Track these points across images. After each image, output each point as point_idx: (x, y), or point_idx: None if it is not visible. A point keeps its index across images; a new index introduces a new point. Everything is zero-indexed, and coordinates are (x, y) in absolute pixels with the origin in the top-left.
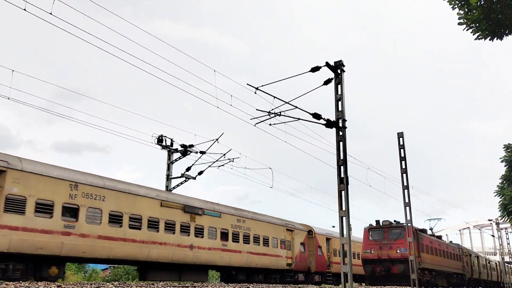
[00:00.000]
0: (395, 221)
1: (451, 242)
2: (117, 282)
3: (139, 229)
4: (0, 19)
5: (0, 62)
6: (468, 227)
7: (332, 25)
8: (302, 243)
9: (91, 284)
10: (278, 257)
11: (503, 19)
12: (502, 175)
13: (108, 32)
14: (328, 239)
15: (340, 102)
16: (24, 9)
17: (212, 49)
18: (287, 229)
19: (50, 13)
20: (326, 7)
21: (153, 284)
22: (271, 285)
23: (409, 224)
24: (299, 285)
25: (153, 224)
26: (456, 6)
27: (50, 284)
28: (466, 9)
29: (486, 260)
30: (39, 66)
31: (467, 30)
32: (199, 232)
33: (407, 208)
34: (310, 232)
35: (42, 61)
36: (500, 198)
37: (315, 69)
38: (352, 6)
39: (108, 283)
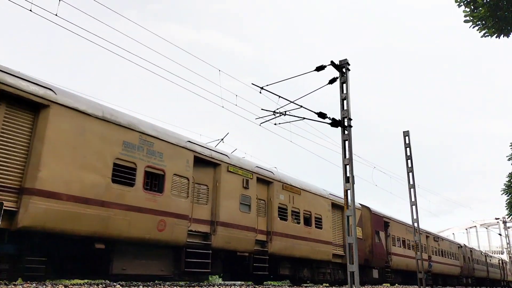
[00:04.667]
0: None
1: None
2: (123, 282)
3: None
4: (5, 20)
5: (5, 63)
6: (475, 226)
7: (338, 26)
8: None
9: (97, 285)
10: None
11: (509, 16)
12: (509, 173)
13: (114, 34)
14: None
15: (345, 101)
16: (30, 10)
17: (217, 52)
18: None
19: (56, 15)
20: (332, 10)
21: (159, 284)
22: None
23: (415, 224)
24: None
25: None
26: (462, 4)
27: (58, 284)
28: (472, 7)
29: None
30: (44, 67)
31: (473, 27)
32: None
33: (413, 207)
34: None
35: (47, 61)
36: (507, 196)
37: (320, 68)
38: (358, 7)
39: (115, 283)
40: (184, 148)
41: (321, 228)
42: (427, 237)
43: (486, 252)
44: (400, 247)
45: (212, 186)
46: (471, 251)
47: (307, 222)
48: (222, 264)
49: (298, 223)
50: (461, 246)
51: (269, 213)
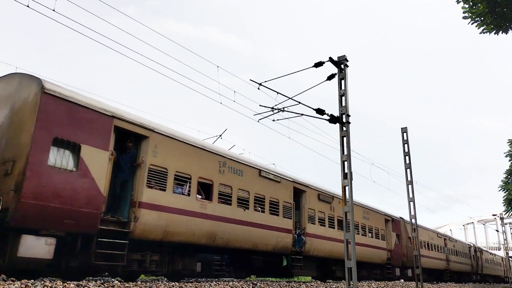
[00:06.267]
0: None
1: None
2: (121, 278)
3: None
4: (3, 16)
5: (3, 59)
6: (472, 222)
7: (337, 23)
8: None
9: (95, 280)
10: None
11: (508, 13)
12: (507, 169)
13: (113, 30)
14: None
15: (343, 98)
16: (27, 6)
17: (216, 48)
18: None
19: (53, 10)
20: (331, 6)
21: (158, 281)
22: None
23: (413, 220)
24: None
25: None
26: (460, 0)
27: (56, 280)
28: (470, 3)
29: None
30: (43, 63)
31: (471, 24)
32: None
33: (411, 203)
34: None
35: (46, 58)
36: (505, 193)
37: (318, 64)
38: (357, 4)
39: (113, 279)
40: None
41: None
42: (301, 192)
43: (447, 235)
44: (185, 194)
45: None
46: (416, 230)
47: None
48: None
49: None
50: (395, 219)
51: None
